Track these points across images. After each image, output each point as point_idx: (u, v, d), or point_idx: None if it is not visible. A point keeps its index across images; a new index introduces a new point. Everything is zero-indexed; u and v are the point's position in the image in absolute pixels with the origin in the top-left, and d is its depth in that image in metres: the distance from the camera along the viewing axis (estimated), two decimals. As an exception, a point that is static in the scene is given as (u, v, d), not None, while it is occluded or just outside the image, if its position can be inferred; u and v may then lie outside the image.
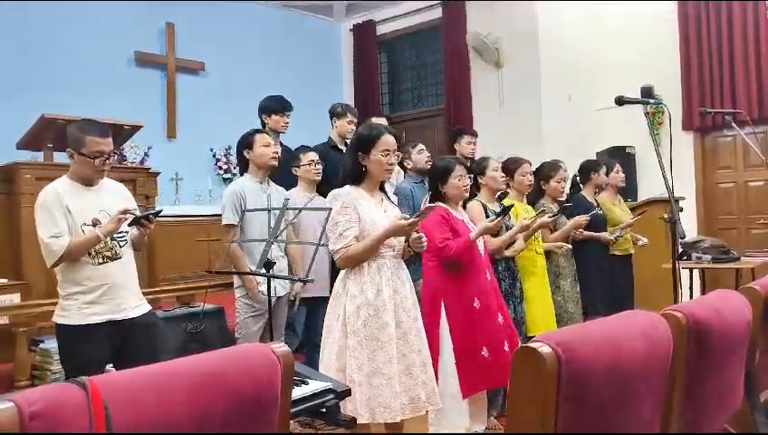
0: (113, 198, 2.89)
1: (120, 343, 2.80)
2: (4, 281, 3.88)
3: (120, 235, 2.84)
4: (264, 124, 4.30)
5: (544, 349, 1.17)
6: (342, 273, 2.82)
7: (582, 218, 4.14)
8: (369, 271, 2.76)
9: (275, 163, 3.70)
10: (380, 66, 8.49)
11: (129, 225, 2.78)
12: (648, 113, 3.35)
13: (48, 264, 2.75)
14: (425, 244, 2.85)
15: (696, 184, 6.51)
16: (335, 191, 2.82)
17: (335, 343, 2.72)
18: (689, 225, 5.37)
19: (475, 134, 5.03)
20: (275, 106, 4.32)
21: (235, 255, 3.54)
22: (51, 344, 3.70)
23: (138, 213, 2.80)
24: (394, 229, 2.73)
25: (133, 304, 2.88)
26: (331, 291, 3.90)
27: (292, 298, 3.77)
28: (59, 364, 3.59)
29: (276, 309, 3.59)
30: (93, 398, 0.93)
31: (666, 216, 3.14)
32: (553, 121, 6.78)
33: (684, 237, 3.04)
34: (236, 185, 3.69)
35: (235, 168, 6.86)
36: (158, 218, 2.89)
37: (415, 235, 2.81)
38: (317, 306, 3.94)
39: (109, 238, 2.77)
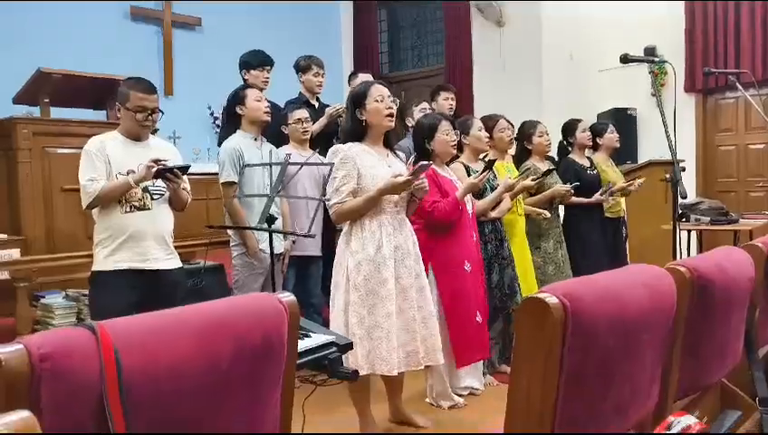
0: (159, 155, 2.93)
1: (143, 294, 2.87)
2: (4, 236, 3.88)
3: (155, 188, 2.94)
4: (244, 81, 4.20)
5: (551, 299, 1.17)
6: (345, 229, 2.84)
7: (563, 189, 4.11)
8: (371, 227, 2.77)
9: (268, 118, 3.66)
10: (380, 24, 8.35)
11: (154, 177, 2.83)
12: (652, 72, 3.32)
13: (83, 205, 2.90)
14: (426, 187, 2.84)
15: (696, 146, 6.49)
16: (335, 147, 2.82)
17: (340, 299, 2.76)
18: (688, 187, 5.36)
19: (451, 90, 4.90)
20: (253, 61, 4.21)
21: (235, 211, 3.53)
22: (52, 299, 3.72)
23: (168, 166, 2.85)
24: (387, 188, 2.72)
25: (160, 257, 2.96)
26: (322, 250, 3.95)
27: (281, 257, 3.73)
28: (60, 319, 3.64)
29: (275, 267, 3.59)
30: (103, 341, 0.93)
31: (667, 176, 3.14)
32: (554, 82, 6.71)
33: (685, 197, 3.03)
34: (233, 141, 3.65)
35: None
36: None
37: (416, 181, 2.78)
38: (308, 265, 3.94)
39: (141, 190, 2.88)
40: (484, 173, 3.32)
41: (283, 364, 1.23)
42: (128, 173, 2.86)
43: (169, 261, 3.02)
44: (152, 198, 2.95)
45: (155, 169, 2.79)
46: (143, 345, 0.99)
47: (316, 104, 4.48)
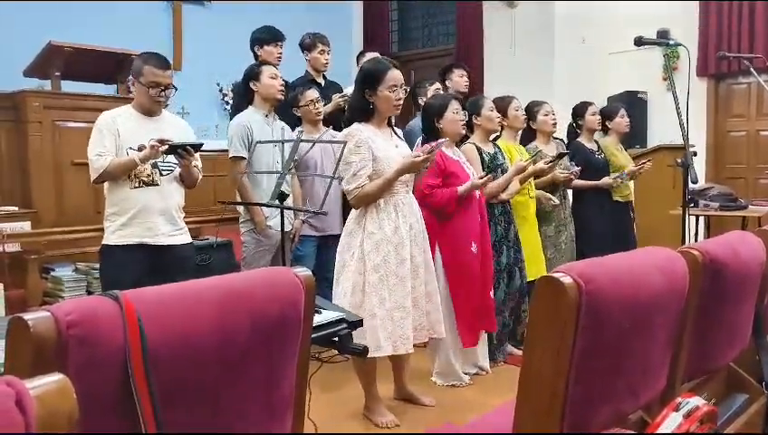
0: (171, 129, 2.97)
1: (151, 268, 2.89)
2: (15, 209, 3.90)
3: (165, 164, 2.96)
4: (256, 57, 4.19)
5: (566, 279, 1.18)
6: (357, 211, 2.85)
7: (561, 176, 4.09)
8: (386, 208, 2.80)
9: (281, 96, 3.66)
10: (390, 3, 8.27)
11: (166, 153, 2.84)
12: (666, 55, 3.30)
13: (91, 179, 2.93)
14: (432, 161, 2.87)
15: (706, 132, 6.44)
16: (347, 130, 2.81)
17: (349, 280, 2.76)
18: (697, 172, 5.35)
19: (465, 67, 4.89)
20: (266, 36, 4.20)
21: (243, 187, 3.54)
22: (62, 272, 3.76)
23: (179, 143, 2.86)
24: (406, 167, 2.76)
25: (168, 232, 2.98)
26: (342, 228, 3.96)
27: (291, 236, 3.76)
28: (70, 292, 3.68)
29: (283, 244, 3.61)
30: (127, 310, 0.94)
31: (678, 160, 3.12)
32: (566, 64, 6.66)
33: (696, 182, 3.03)
34: (242, 117, 3.66)
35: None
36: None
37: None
38: (328, 243, 3.96)
39: (149, 165, 2.89)
40: (488, 176, 3.32)
41: (299, 339, 1.24)
42: (139, 148, 2.86)
43: (178, 236, 3.03)
44: (161, 174, 2.97)
45: (163, 148, 2.80)
46: (165, 315, 1.01)
47: (322, 82, 4.47)
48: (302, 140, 2.81)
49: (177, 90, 3.00)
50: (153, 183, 2.94)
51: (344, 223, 3.92)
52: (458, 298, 3.24)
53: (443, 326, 2.99)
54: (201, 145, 2.95)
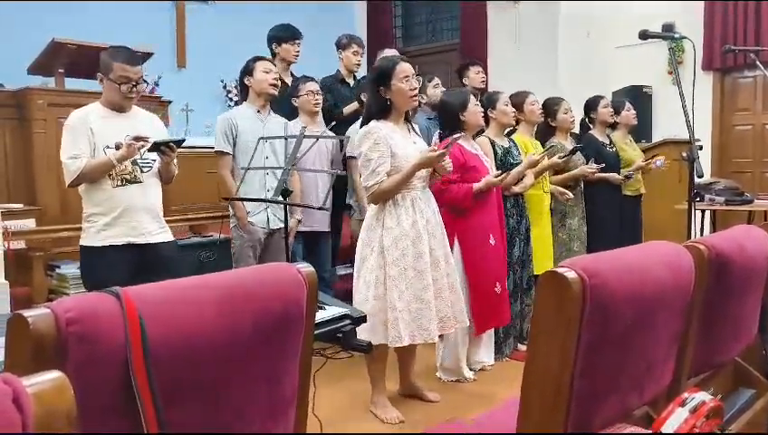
0: (142, 126, 2.89)
1: (137, 268, 2.83)
2: (20, 206, 3.91)
3: (144, 161, 2.88)
4: (274, 54, 4.20)
5: (570, 274, 1.17)
6: (375, 207, 2.87)
7: (588, 170, 4.10)
8: (404, 203, 2.83)
9: (273, 91, 3.62)
10: (394, 1, 8.25)
11: (150, 150, 2.79)
12: (671, 49, 3.28)
13: (66, 183, 2.83)
14: (449, 167, 2.90)
15: (712, 126, 6.40)
16: (366, 128, 2.83)
17: (371, 273, 2.81)
18: (702, 166, 5.29)
19: (481, 65, 4.91)
20: (284, 34, 4.22)
21: (224, 181, 3.57)
22: (67, 269, 3.76)
23: (156, 140, 2.79)
24: (423, 162, 2.79)
25: (153, 230, 2.92)
26: (330, 226, 3.97)
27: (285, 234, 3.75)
28: (76, 289, 3.68)
29: (272, 242, 3.60)
30: (127, 307, 0.94)
31: (684, 154, 3.10)
32: (570, 60, 6.62)
33: (702, 176, 3.01)
34: (229, 113, 3.69)
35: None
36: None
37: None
38: (317, 241, 3.96)
39: (130, 163, 2.81)
40: (503, 175, 3.33)
41: (301, 335, 1.23)
42: (116, 147, 2.76)
43: (162, 234, 2.97)
44: (142, 171, 2.88)
45: (139, 144, 2.72)
46: (166, 312, 1.00)
47: (351, 82, 4.50)
48: (305, 136, 2.80)
49: (148, 84, 2.95)
50: (136, 180, 2.86)
51: (331, 220, 3.96)
52: (474, 290, 3.26)
53: (466, 315, 3.03)
54: (183, 141, 2.92)
